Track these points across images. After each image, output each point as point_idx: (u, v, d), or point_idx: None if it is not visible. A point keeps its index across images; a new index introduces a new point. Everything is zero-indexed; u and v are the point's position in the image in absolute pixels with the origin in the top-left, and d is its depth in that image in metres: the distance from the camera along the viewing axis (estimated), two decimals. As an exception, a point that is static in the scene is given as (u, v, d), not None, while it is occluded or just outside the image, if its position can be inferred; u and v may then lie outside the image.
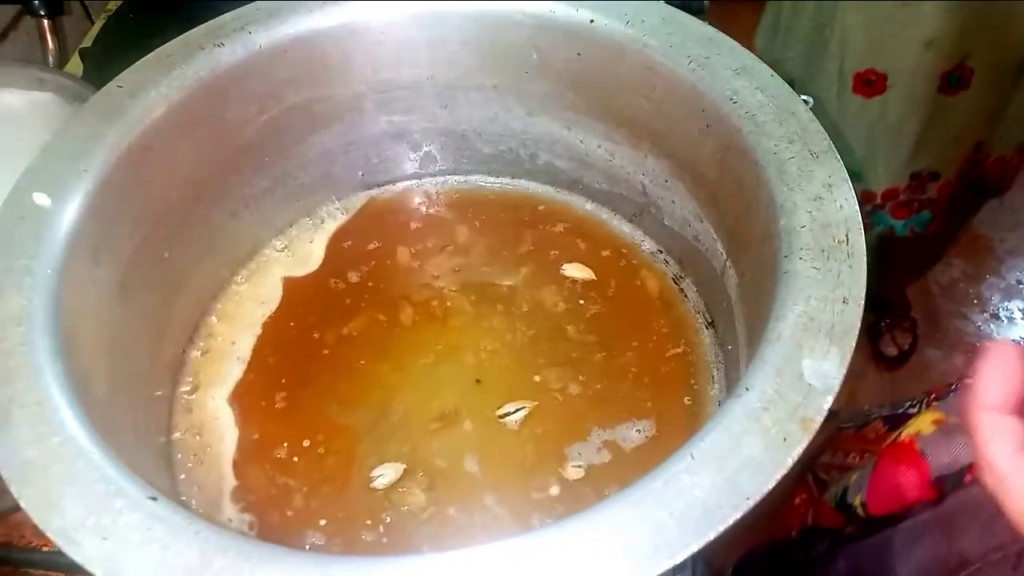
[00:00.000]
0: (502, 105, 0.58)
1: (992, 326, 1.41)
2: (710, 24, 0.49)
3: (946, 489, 0.50)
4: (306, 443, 0.50)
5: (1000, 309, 1.43)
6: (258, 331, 0.55)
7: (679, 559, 0.29)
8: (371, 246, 0.60)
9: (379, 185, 0.64)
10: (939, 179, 1.02)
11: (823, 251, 0.38)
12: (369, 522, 0.47)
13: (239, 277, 0.58)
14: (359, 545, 0.46)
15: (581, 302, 0.56)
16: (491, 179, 0.64)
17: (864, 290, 0.37)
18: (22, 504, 0.33)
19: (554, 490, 0.48)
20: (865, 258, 0.38)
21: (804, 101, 0.45)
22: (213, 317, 0.56)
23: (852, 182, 0.41)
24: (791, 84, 0.46)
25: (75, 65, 0.76)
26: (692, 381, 0.52)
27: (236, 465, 0.49)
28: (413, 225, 0.62)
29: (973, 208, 1.48)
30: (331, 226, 0.61)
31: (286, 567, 0.30)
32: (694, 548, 0.29)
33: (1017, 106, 0.98)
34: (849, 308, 0.36)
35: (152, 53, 0.50)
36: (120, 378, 0.44)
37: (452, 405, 0.51)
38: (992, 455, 0.28)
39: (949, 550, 0.47)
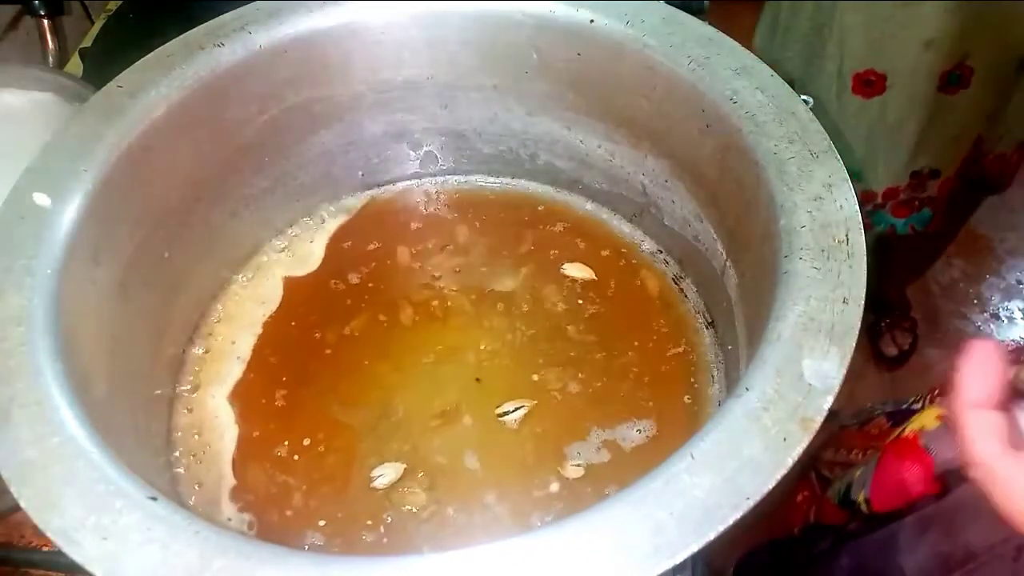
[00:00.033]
0: (502, 105, 0.58)
1: (992, 326, 1.41)
2: (710, 24, 0.49)
3: (950, 484, 0.50)
4: (306, 442, 0.50)
5: (1000, 309, 1.43)
6: (258, 331, 0.56)
7: (679, 559, 0.29)
8: (371, 246, 0.60)
9: (379, 185, 0.64)
10: (939, 177, 1.02)
11: (823, 251, 0.38)
12: (369, 522, 0.47)
13: (239, 277, 0.58)
14: (359, 545, 0.46)
15: (581, 302, 0.56)
16: (491, 179, 0.64)
17: (864, 290, 0.37)
18: (22, 504, 0.33)
19: (554, 488, 0.48)
20: (865, 258, 0.38)
21: (804, 101, 0.45)
22: (213, 317, 0.56)
23: (852, 182, 0.41)
24: (790, 84, 0.46)
25: (75, 65, 0.76)
26: (692, 380, 0.52)
27: (235, 464, 0.49)
28: (413, 225, 0.62)
29: (973, 205, 1.48)
30: (331, 226, 0.61)
31: (286, 567, 0.31)
32: (694, 548, 0.30)
33: (1017, 104, 0.98)
34: (849, 308, 0.36)
35: (152, 53, 0.50)
36: (120, 378, 0.44)
37: (453, 403, 0.51)
38: (978, 449, 0.29)
39: (954, 544, 0.47)
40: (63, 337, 0.39)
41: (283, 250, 0.60)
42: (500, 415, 0.50)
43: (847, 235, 0.39)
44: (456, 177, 0.64)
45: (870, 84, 0.91)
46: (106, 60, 0.71)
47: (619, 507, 0.31)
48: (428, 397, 0.52)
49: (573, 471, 0.48)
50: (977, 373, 0.30)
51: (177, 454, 0.50)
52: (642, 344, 0.54)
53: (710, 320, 0.55)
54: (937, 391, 0.61)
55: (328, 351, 0.54)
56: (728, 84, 0.46)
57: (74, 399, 0.37)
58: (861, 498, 0.58)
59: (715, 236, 0.52)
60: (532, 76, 0.55)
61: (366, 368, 0.53)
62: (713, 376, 0.52)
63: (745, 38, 0.49)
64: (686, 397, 0.51)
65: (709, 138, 0.48)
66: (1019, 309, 1.42)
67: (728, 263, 0.50)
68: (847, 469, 0.65)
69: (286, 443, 0.50)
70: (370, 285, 0.58)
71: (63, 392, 0.37)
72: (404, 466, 0.48)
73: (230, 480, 0.49)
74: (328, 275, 0.58)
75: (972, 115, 0.96)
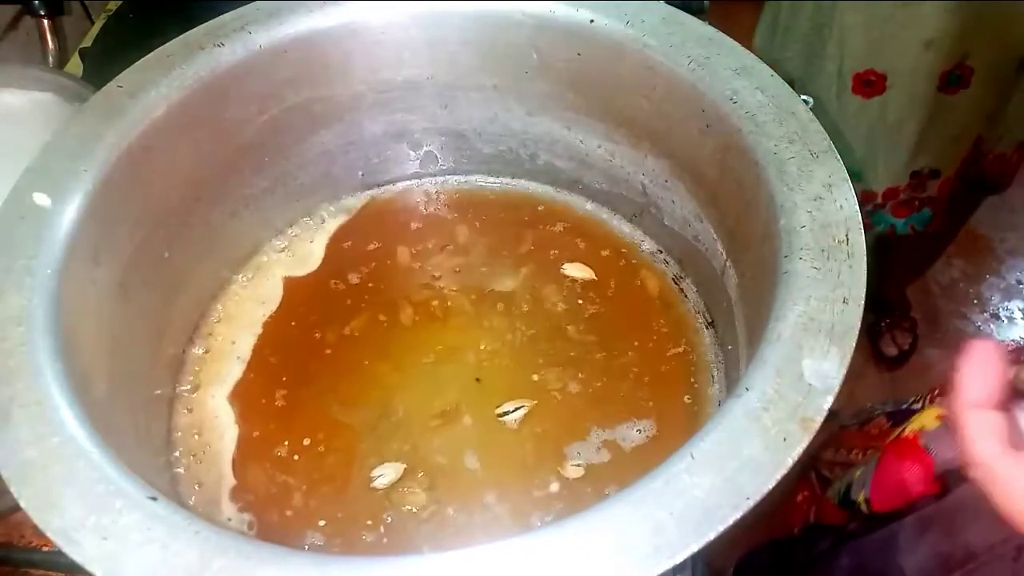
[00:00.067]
0: (502, 105, 0.58)
1: (992, 326, 1.41)
2: (710, 24, 0.49)
3: (950, 484, 0.50)
4: (306, 442, 0.50)
5: (1000, 309, 1.43)
6: (258, 331, 0.56)
7: (679, 559, 0.29)
8: (371, 246, 0.60)
9: (379, 185, 0.64)
10: (939, 177, 1.02)
11: (823, 251, 0.38)
12: (369, 522, 0.47)
13: (239, 277, 0.58)
14: (359, 545, 0.46)
15: (581, 302, 0.56)
16: (491, 179, 0.64)
17: (864, 290, 0.37)
18: (22, 504, 0.33)
19: (554, 488, 0.48)
20: (865, 258, 0.38)
21: (804, 101, 0.45)
22: (213, 317, 0.56)
23: (852, 182, 0.41)
24: (790, 84, 0.46)
25: (75, 65, 0.76)
26: (692, 380, 0.52)
27: (235, 464, 0.49)
28: (413, 225, 0.62)
29: (973, 205, 1.48)
30: (331, 226, 0.61)
31: (286, 567, 0.31)
32: (694, 548, 0.30)
33: (1017, 104, 0.98)
34: (849, 308, 0.36)
35: (152, 53, 0.50)
36: (120, 378, 0.44)
37: (453, 403, 0.51)
38: (977, 449, 0.29)
39: (954, 544, 0.47)
40: (63, 337, 0.39)
41: (283, 250, 0.60)
42: (500, 415, 0.50)
43: (847, 235, 0.39)
44: (456, 177, 0.64)
45: (870, 84, 0.91)
46: (106, 60, 0.71)
47: (619, 507, 0.31)
48: (428, 397, 0.52)
49: (573, 471, 0.48)
50: (977, 373, 0.30)
51: (177, 454, 0.50)
52: (642, 344, 0.54)
53: (710, 320, 0.55)
54: (937, 391, 0.61)
55: (328, 351, 0.54)
56: (728, 84, 0.46)
57: (74, 399, 0.37)
58: (861, 498, 0.58)
59: (715, 236, 0.52)
60: (532, 76, 0.55)
61: (366, 368, 0.53)
62: (713, 376, 0.52)
63: (745, 38, 0.49)
64: (686, 397, 0.51)
65: (709, 138, 0.48)
66: (1019, 309, 1.42)
67: (728, 263, 0.50)
68: (847, 469, 0.65)
69: (286, 443, 0.50)
70: (370, 285, 0.58)
71: (63, 392, 0.37)
72: (404, 466, 0.48)
73: (230, 480, 0.49)
74: (328, 275, 0.58)
75: (972, 115, 0.96)
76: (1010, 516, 0.28)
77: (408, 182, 0.64)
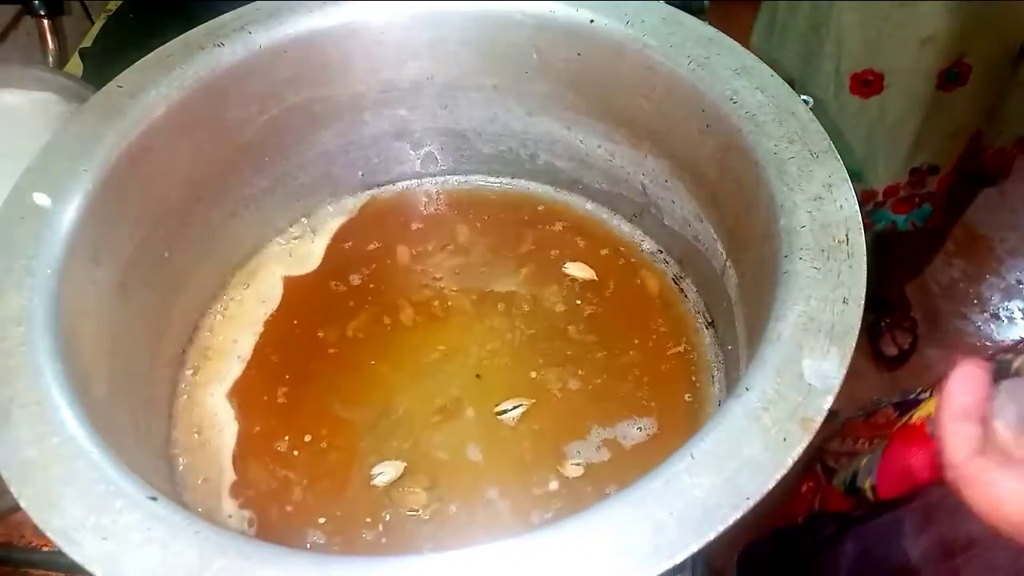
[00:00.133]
0: (502, 105, 0.58)
1: (992, 326, 1.41)
2: (710, 24, 0.49)
3: None
4: (307, 438, 0.50)
5: (1000, 309, 1.42)
6: (259, 330, 0.56)
7: (679, 559, 0.29)
8: (371, 246, 0.60)
9: (379, 185, 0.64)
10: (938, 173, 1.02)
11: (823, 251, 0.38)
12: (369, 520, 0.47)
13: (239, 277, 0.58)
14: (359, 544, 0.46)
15: (581, 302, 0.56)
16: (491, 179, 0.64)
17: (864, 290, 0.37)
18: (22, 504, 0.33)
19: (553, 487, 0.48)
20: (865, 258, 0.38)
21: (804, 101, 0.45)
22: (213, 316, 0.56)
23: (852, 182, 0.41)
24: (788, 84, 0.46)
25: (75, 65, 0.76)
26: (693, 379, 0.52)
27: (236, 459, 0.50)
28: (413, 225, 0.62)
29: (970, 198, 1.48)
30: (331, 226, 0.61)
31: (286, 567, 0.31)
32: (694, 548, 0.30)
33: (1016, 99, 0.98)
34: (849, 308, 0.36)
35: (152, 53, 0.50)
36: (120, 378, 0.44)
37: (453, 403, 0.51)
38: (953, 455, 0.32)
39: (958, 530, 0.47)
40: (63, 337, 0.39)
41: (283, 250, 0.60)
42: (499, 413, 0.50)
43: (847, 235, 0.39)
44: (456, 177, 0.64)
45: (868, 84, 0.91)
46: (106, 60, 0.71)
47: (619, 507, 0.31)
48: (428, 397, 0.52)
49: (573, 470, 0.48)
50: (961, 390, 0.33)
51: (177, 452, 0.50)
52: (642, 343, 0.54)
53: (710, 320, 0.55)
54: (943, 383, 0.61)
55: (329, 351, 0.54)
56: (728, 84, 0.46)
57: (74, 399, 0.37)
58: (867, 485, 0.58)
59: (715, 236, 0.52)
60: (532, 76, 0.55)
61: (367, 368, 0.53)
62: (713, 376, 0.52)
63: (745, 38, 0.49)
64: (687, 395, 0.51)
65: (709, 138, 0.48)
66: (1019, 309, 1.42)
67: (728, 263, 0.50)
68: (853, 459, 0.65)
69: (286, 438, 0.50)
70: (371, 285, 0.58)
71: (63, 392, 0.37)
72: (404, 464, 0.48)
73: (230, 475, 0.49)
74: (328, 275, 0.58)
75: (970, 112, 0.96)
76: (982, 514, 0.31)
77: (408, 182, 0.64)
